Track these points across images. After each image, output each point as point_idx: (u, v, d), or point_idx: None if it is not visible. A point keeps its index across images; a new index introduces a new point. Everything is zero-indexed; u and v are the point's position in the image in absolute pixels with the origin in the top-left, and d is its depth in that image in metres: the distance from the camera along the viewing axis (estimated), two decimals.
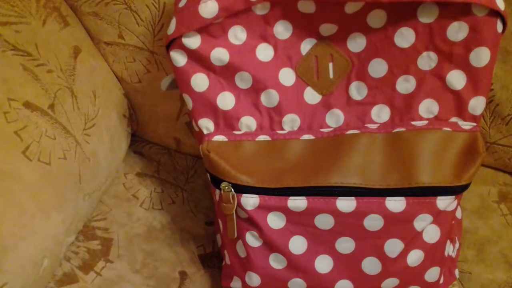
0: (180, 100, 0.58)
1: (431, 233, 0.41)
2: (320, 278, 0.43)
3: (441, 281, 0.44)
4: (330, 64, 0.41)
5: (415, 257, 0.42)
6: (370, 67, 0.41)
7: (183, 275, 0.52)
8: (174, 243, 0.54)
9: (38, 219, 0.44)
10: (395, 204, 0.40)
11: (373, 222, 0.40)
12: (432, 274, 0.43)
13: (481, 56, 0.38)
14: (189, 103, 0.43)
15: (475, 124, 0.41)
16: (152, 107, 0.60)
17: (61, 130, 0.48)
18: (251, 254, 0.43)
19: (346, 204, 0.40)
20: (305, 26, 0.41)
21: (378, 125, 0.42)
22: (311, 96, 0.43)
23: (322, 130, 0.43)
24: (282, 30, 0.41)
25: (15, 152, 0.43)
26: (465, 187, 0.40)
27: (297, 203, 0.41)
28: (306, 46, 0.41)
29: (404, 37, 0.39)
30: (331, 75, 0.42)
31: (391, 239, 0.41)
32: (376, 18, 0.39)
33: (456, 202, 0.41)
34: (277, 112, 0.43)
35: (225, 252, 0.47)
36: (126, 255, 0.53)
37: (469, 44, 0.38)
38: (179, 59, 0.41)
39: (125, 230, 0.55)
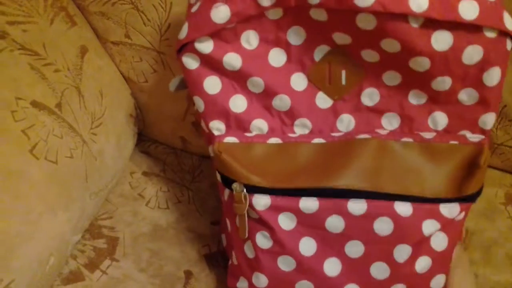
0: (186, 100, 0.58)
1: (439, 241, 0.41)
2: (328, 281, 0.43)
3: None
4: (343, 72, 0.41)
5: (423, 263, 0.41)
6: (384, 76, 0.41)
7: (188, 274, 0.52)
8: (179, 243, 0.54)
9: (45, 217, 0.45)
10: (403, 207, 0.40)
11: (383, 226, 0.40)
12: (438, 281, 0.43)
13: (493, 76, 0.39)
14: (201, 105, 0.43)
15: (483, 137, 0.41)
16: (158, 107, 0.60)
17: (68, 129, 0.49)
18: (259, 255, 0.43)
19: (357, 206, 0.40)
20: (318, 33, 0.40)
21: (388, 131, 0.42)
22: (323, 101, 0.42)
23: (332, 134, 0.43)
24: (295, 35, 0.41)
25: (23, 150, 0.44)
26: (469, 198, 0.40)
27: (309, 204, 0.41)
28: (319, 52, 0.41)
29: (419, 64, 0.39)
30: (343, 82, 0.42)
31: (400, 244, 0.41)
32: (390, 45, 0.38)
33: (464, 213, 0.41)
34: (289, 116, 0.43)
35: (233, 252, 0.47)
36: (131, 254, 0.53)
37: (483, 65, 0.38)
38: (191, 62, 0.41)
39: (131, 229, 0.55)
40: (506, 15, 0.37)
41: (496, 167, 0.59)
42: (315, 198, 0.40)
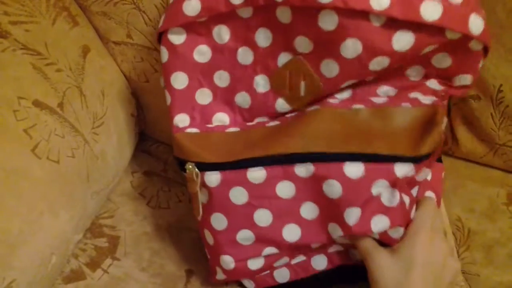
0: None
1: (390, 197, 0.40)
2: (291, 246, 0.43)
3: None
4: (302, 83, 0.42)
5: (378, 221, 0.40)
6: (342, 86, 0.41)
7: (189, 273, 0.52)
8: (180, 242, 0.54)
9: (46, 216, 0.45)
10: (353, 169, 0.39)
11: (332, 189, 0.40)
12: (397, 231, 0.41)
13: (442, 62, 0.40)
14: (168, 99, 0.44)
15: (436, 98, 0.41)
16: (159, 106, 0.60)
17: (69, 129, 0.49)
18: (217, 237, 0.44)
19: (304, 169, 0.40)
20: (283, 38, 0.41)
21: (338, 100, 0.42)
22: (282, 105, 0.43)
23: (287, 116, 0.44)
24: (263, 38, 0.41)
25: (24, 150, 0.44)
26: (423, 157, 0.40)
27: (256, 174, 0.41)
28: (282, 58, 0.42)
29: (379, 64, 0.38)
30: (302, 93, 0.42)
31: (349, 207, 0.40)
32: (350, 48, 0.38)
33: (415, 172, 0.40)
34: (249, 113, 0.44)
35: (206, 249, 0.47)
36: (133, 253, 0.53)
37: (434, 52, 0.39)
38: (164, 55, 0.42)
39: (132, 228, 0.55)
40: (472, 18, 0.36)
41: (498, 168, 0.58)
42: (261, 167, 0.41)
